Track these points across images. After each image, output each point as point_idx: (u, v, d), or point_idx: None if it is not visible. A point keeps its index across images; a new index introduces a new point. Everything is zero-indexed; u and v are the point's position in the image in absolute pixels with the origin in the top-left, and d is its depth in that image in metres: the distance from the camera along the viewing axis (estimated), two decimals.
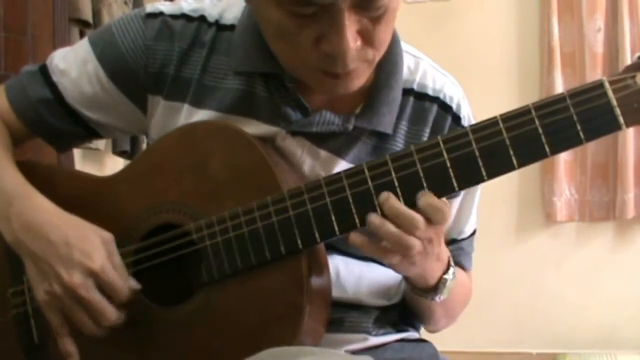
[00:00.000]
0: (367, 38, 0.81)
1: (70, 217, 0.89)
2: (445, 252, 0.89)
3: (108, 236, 0.88)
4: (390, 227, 0.80)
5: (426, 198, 0.80)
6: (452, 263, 0.91)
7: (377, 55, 0.85)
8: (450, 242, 1.03)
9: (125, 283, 0.87)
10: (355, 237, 0.82)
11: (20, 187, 0.92)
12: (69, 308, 0.86)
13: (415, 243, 0.80)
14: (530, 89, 3.09)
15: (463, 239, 1.05)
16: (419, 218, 0.80)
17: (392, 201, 0.80)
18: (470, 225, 1.05)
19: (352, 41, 0.79)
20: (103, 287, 0.85)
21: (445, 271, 0.91)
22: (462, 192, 0.99)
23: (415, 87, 0.97)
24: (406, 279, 0.93)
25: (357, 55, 0.81)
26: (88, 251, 0.85)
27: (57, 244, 0.86)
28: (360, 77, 0.86)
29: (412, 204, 0.81)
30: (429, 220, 0.80)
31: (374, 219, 0.80)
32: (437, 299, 0.92)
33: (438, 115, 0.96)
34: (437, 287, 0.91)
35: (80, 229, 0.88)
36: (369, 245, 0.82)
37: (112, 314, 0.85)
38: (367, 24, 0.80)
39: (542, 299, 3.11)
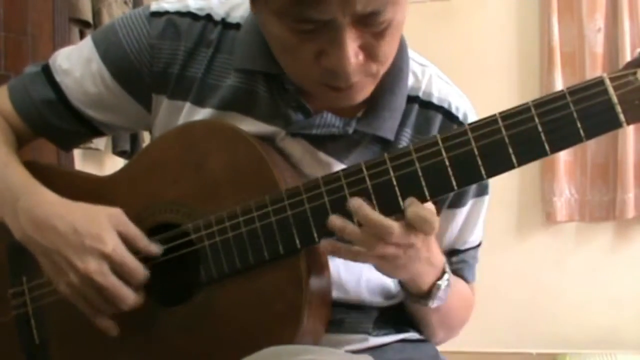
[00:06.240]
0: (370, 53, 0.80)
1: (75, 204, 0.89)
2: (439, 258, 0.87)
3: (116, 211, 0.87)
4: (355, 229, 0.79)
5: (413, 207, 0.78)
6: (447, 269, 0.89)
7: (381, 69, 0.84)
8: (452, 252, 1.01)
9: (147, 249, 0.86)
10: (324, 243, 0.81)
11: (26, 182, 0.91)
12: (89, 296, 0.85)
13: (389, 250, 0.79)
14: (530, 89, 3.09)
15: (466, 250, 1.02)
16: (391, 225, 0.78)
17: (363, 209, 0.78)
18: (476, 236, 1.02)
19: (353, 57, 0.78)
20: (117, 268, 0.84)
21: (440, 277, 0.88)
22: (470, 202, 0.98)
23: (420, 95, 0.95)
24: (400, 284, 0.92)
25: (360, 70, 0.81)
26: (98, 234, 0.84)
27: (65, 233, 0.85)
28: (364, 90, 0.85)
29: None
30: (415, 230, 0.79)
31: (336, 220, 0.79)
32: (430, 304, 0.90)
33: (443, 124, 0.95)
34: (430, 293, 0.89)
35: (86, 213, 0.87)
36: (340, 249, 0.81)
37: (129, 297, 0.85)
38: (370, 39, 0.79)
39: (542, 299, 3.10)
